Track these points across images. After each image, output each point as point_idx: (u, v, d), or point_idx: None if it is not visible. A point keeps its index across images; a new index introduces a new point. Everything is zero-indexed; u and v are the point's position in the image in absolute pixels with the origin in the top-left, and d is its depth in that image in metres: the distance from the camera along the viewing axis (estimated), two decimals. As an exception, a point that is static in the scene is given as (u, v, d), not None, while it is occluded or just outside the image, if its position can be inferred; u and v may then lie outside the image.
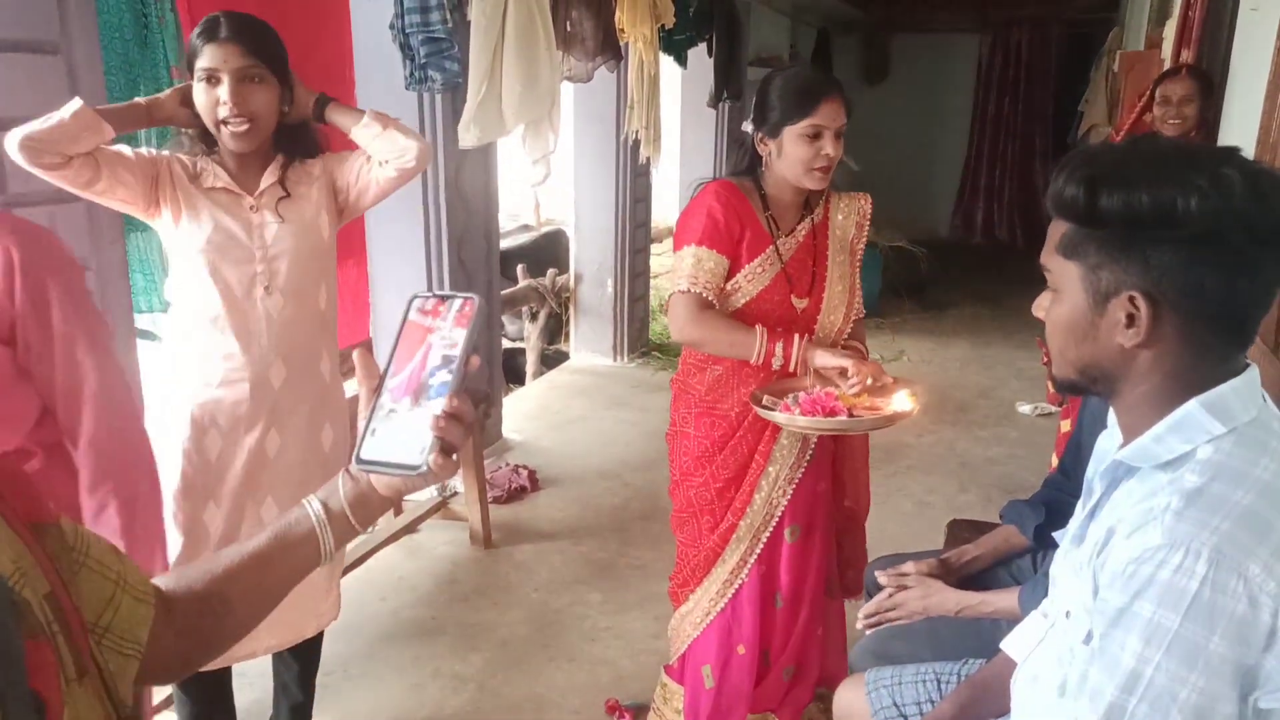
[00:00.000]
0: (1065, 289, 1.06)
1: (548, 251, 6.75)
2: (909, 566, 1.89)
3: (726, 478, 2.04)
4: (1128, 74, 5.12)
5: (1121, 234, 1.00)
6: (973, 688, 1.49)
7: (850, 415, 1.81)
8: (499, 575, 3.16)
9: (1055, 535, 1.44)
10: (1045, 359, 3.56)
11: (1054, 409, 4.79)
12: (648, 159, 5.06)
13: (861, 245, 2.10)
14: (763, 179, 1.97)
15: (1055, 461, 3.55)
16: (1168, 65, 4.16)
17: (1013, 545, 1.92)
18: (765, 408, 1.87)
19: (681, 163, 6.98)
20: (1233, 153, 1.01)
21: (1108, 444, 1.25)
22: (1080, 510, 1.23)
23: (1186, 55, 3.78)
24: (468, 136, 3.45)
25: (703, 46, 5.54)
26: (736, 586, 2.06)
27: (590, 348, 5.64)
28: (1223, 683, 0.91)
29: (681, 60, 5.15)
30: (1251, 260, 0.97)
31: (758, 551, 2.04)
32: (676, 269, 1.91)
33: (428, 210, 3.60)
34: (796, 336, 1.88)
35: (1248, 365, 1.05)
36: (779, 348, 1.87)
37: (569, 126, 5.25)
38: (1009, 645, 1.47)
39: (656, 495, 3.72)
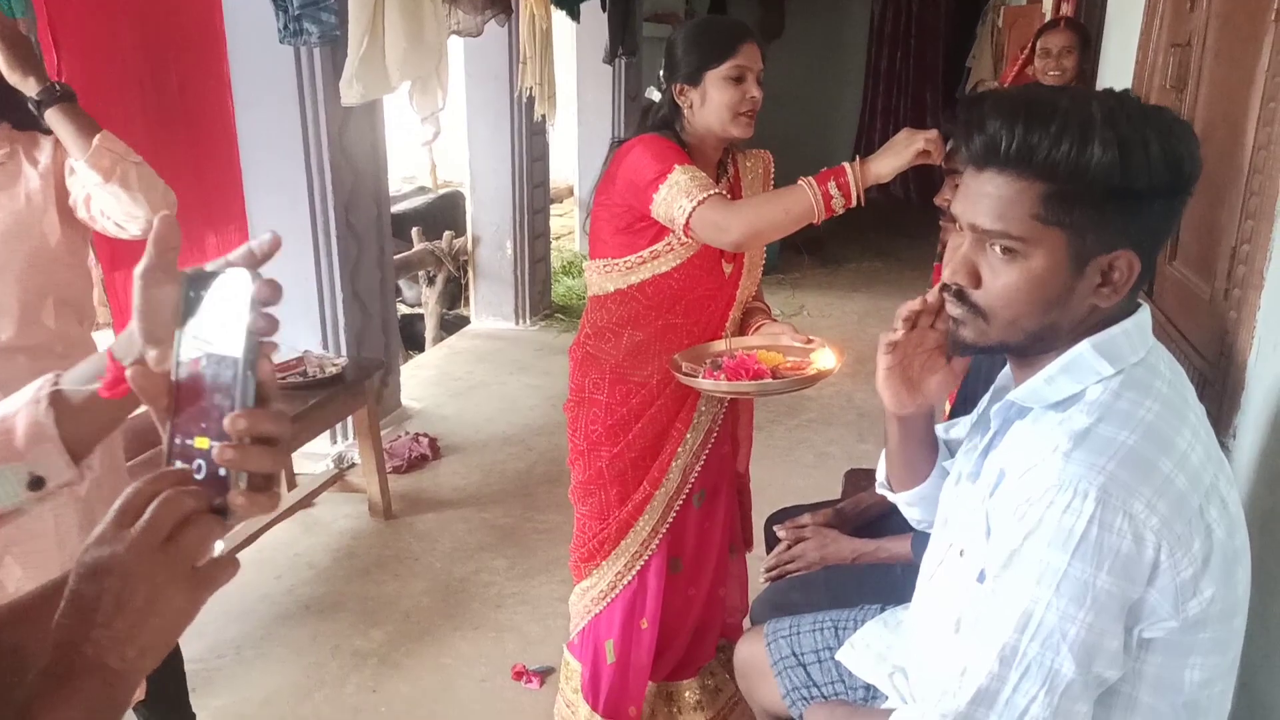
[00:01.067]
0: (1037, 255, 0.99)
1: (445, 214, 6.59)
2: (806, 519, 1.91)
3: (643, 447, 1.97)
4: (1010, 28, 5.22)
5: (1128, 194, 0.95)
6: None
7: (775, 377, 1.78)
8: (401, 547, 3.08)
9: (944, 465, 1.46)
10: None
11: (948, 358, 4.92)
12: (543, 116, 4.96)
13: None
14: (683, 134, 1.87)
15: (948, 409, 3.64)
16: (1048, 18, 4.25)
17: (906, 492, 1.95)
18: (686, 374, 1.81)
19: (579, 121, 6.88)
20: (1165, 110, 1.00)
21: (1006, 380, 1.26)
22: (971, 445, 1.24)
23: (1066, 9, 3.87)
24: (350, 93, 3.30)
25: (596, 1, 5.42)
26: (645, 559, 2.02)
27: (491, 312, 5.54)
28: (1109, 618, 0.93)
29: (574, 14, 5.03)
30: (1185, 200, 1.00)
31: (669, 521, 2.01)
32: (673, 197, 1.72)
33: (310, 172, 3.44)
34: (847, 166, 1.67)
35: (1139, 305, 1.07)
36: (833, 187, 1.66)
37: (460, 84, 5.10)
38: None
39: (561, 459, 3.64)
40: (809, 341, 1.89)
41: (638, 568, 2.02)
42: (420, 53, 3.32)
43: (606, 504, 2.01)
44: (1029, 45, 3.36)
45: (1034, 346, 1.06)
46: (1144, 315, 1.07)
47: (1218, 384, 1.59)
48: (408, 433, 3.83)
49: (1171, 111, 0.99)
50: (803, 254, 6.77)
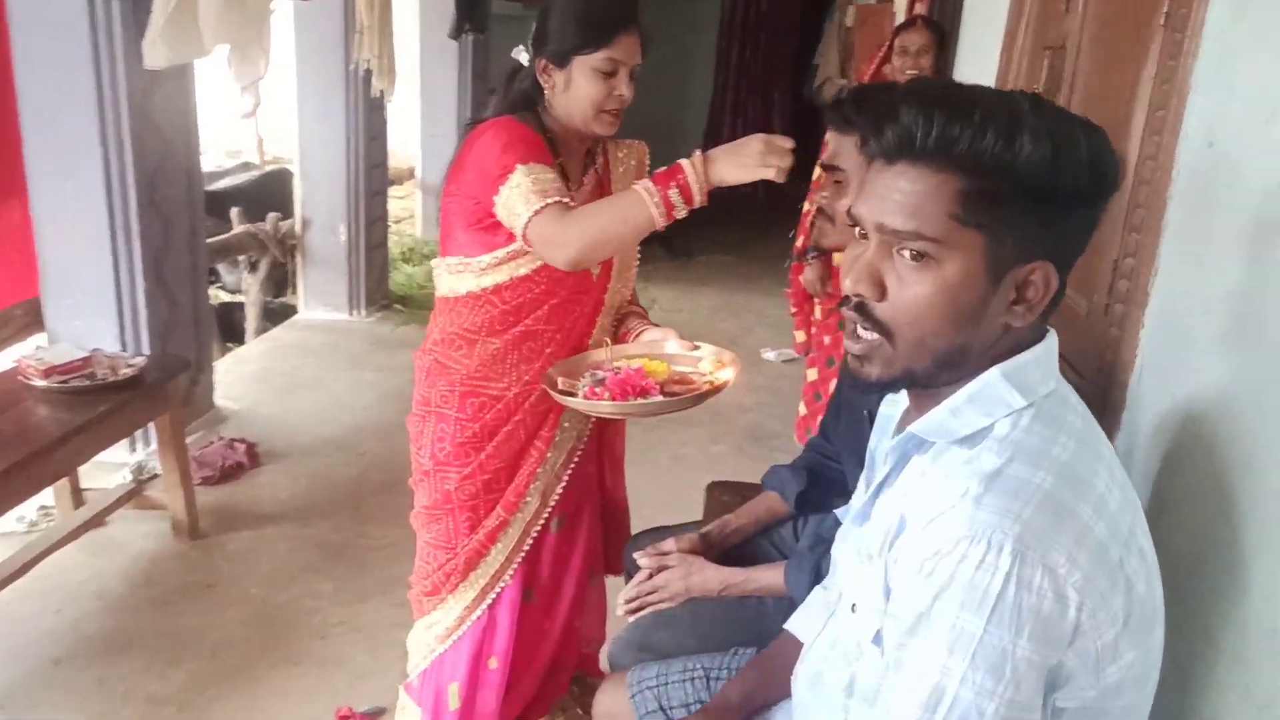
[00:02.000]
0: (952, 260, 0.86)
1: (272, 193, 6.09)
2: (669, 544, 1.74)
3: (497, 468, 1.77)
4: (862, 26, 5.26)
5: (1046, 197, 0.84)
6: (759, 671, 1.36)
7: (663, 392, 1.60)
8: (210, 571, 2.73)
9: (839, 511, 1.33)
10: (794, 311, 3.53)
11: (797, 356, 4.91)
12: (381, 92, 4.61)
13: None
14: (545, 117, 1.68)
15: (802, 409, 3.59)
16: (900, 18, 4.27)
17: (775, 513, 1.81)
18: (564, 393, 1.61)
19: (423, 99, 6.51)
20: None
21: (891, 410, 1.13)
22: (863, 486, 1.10)
23: (920, 8, 3.87)
24: (155, 55, 2.91)
25: (441, -28, 5.11)
26: (498, 591, 1.81)
27: (322, 301, 5.13)
28: (1030, 690, 0.81)
29: (416, -17, 4.71)
30: (1100, 214, 0.89)
31: (525, 549, 1.81)
32: (512, 202, 1.54)
33: (106, 140, 3.00)
34: (684, 162, 1.49)
35: (1047, 330, 0.95)
36: (673, 193, 1.48)
37: (289, 54, 4.67)
38: (795, 626, 1.35)
39: (397, 464, 3.35)
40: (695, 348, 1.73)
41: (488, 602, 1.81)
42: (240, 15, 2.96)
43: (454, 531, 1.80)
44: (887, 44, 3.34)
45: (940, 375, 0.92)
46: (1052, 341, 0.95)
47: (1096, 403, 1.52)
48: (221, 438, 3.44)
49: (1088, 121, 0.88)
50: (653, 246, 6.65)
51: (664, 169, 1.50)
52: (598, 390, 1.59)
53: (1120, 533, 0.86)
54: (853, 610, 0.99)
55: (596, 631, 2.09)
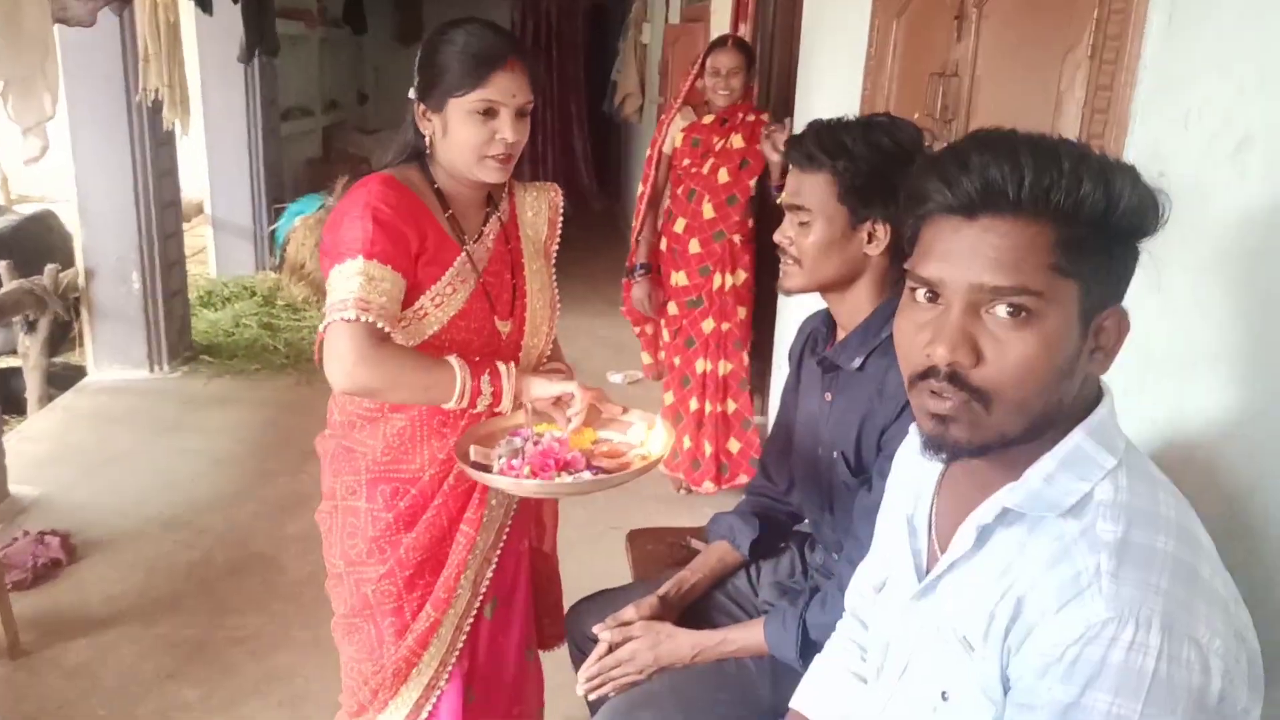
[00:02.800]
0: (1052, 315, 0.82)
1: (35, 239, 5.36)
2: (629, 612, 1.63)
3: (420, 561, 1.57)
4: (674, 45, 5.31)
5: (1126, 239, 0.85)
6: None
7: (591, 465, 1.47)
8: (43, 696, 2.33)
9: (865, 578, 1.26)
10: (638, 333, 3.51)
11: (644, 378, 4.89)
12: (174, 124, 4.18)
13: (555, 246, 1.74)
14: (433, 168, 1.54)
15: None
16: (714, 35, 4.34)
17: (728, 564, 1.74)
18: (478, 465, 1.46)
19: (207, 128, 5.99)
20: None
21: (915, 470, 1.07)
22: (906, 556, 1.03)
23: (744, 28, 3.94)
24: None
25: (227, -8, 4.70)
26: (435, 699, 1.62)
27: (116, 359, 4.58)
28: None
29: (206, 6, 4.30)
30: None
31: (460, 646, 1.62)
32: (335, 291, 1.40)
33: None
34: (503, 365, 1.49)
35: (1101, 383, 0.93)
36: (485, 383, 1.45)
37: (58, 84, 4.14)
38: (805, 705, 1.27)
39: (245, 540, 3.07)
40: (624, 411, 1.61)
41: (426, 711, 1.62)
42: (18, 47, 2.57)
43: (378, 639, 1.60)
44: (699, 62, 3.36)
45: (1030, 436, 0.88)
46: (1109, 393, 0.94)
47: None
48: (26, 532, 2.97)
49: None
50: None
51: (480, 360, 1.48)
52: (515, 464, 1.44)
53: (1228, 585, 0.85)
54: (944, 699, 0.92)
55: (535, 707, 1.93)
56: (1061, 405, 0.87)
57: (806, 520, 1.70)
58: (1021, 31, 1.71)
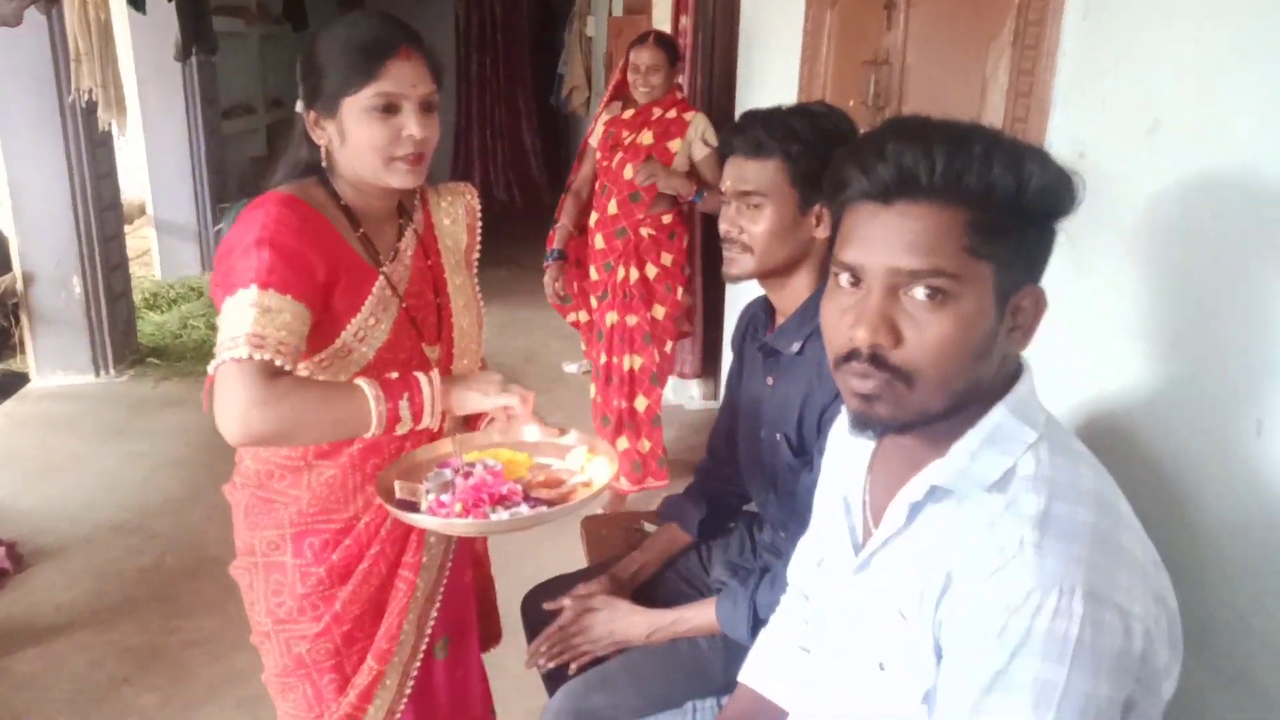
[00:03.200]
0: (968, 295, 0.86)
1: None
2: (588, 588, 1.66)
3: (358, 614, 1.42)
4: (617, 38, 5.32)
5: (1040, 219, 0.88)
6: None
7: (529, 498, 1.29)
8: (-6, 707, 2.30)
9: (805, 556, 1.30)
10: (575, 323, 3.51)
11: (598, 367, 4.91)
12: (110, 125, 4.10)
13: (476, 254, 1.58)
14: (336, 182, 1.37)
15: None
16: (668, 29, 4.36)
17: (678, 545, 1.78)
18: (405, 504, 1.28)
19: (145, 128, 5.88)
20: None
21: (848, 451, 1.11)
22: (843, 533, 1.07)
23: (685, 21, 3.96)
24: None
25: (161, -12, 4.61)
26: None
27: (60, 364, 4.49)
28: None
29: (138, 3, 4.22)
30: None
31: (408, 692, 1.49)
32: (226, 327, 1.21)
33: None
34: (422, 378, 1.28)
35: (1021, 359, 0.97)
36: (404, 405, 1.25)
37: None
38: (752, 679, 1.31)
39: (197, 542, 3.04)
40: (562, 433, 1.42)
41: None
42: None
43: (316, 697, 1.45)
44: (625, 56, 3.28)
45: (952, 413, 0.91)
46: (1029, 369, 0.97)
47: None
48: (-28, 542, 2.92)
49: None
50: (423, 267, 6.39)
51: (397, 378, 1.28)
52: (444, 500, 1.26)
53: (1147, 551, 0.89)
54: (881, 669, 0.96)
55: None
56: (981, 383, 0.90)
57: (753, 501, 1.74)
58: (948, 20, 1.76)
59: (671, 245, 3.26)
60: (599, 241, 3.31)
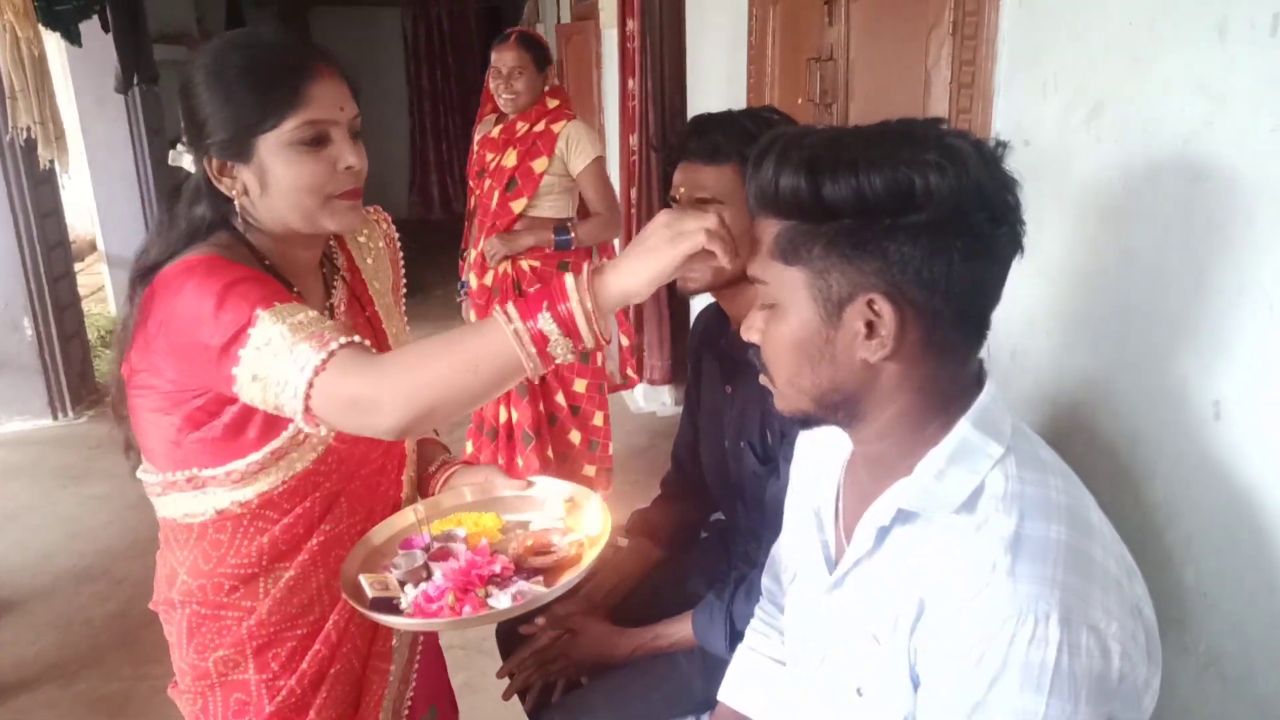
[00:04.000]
0: (788, 301, 0.88)
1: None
2: (559, 610, 1.62)
3: (333, 717, 1.28)
4: (568, 44, 5.29)
5: (852, 226, 0.83)
6: None
7: (521, 570, 1.16)
8: (-41, 772, 2.23)
9: (777, 572, 1.28)
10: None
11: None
12: (52, 162, 4.00)
13: (403, 287, 1.44)
14: (253, 237, 1.17)
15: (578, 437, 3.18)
16: (610, 34, 4.33)
17: (650, 559, 1.75)
18: (381, 603, 1.10)
19: (90, 161, 5.76)
20: (943, 121, 0.88)
21: (821, 456, 1.09)
22: (815, 549, 1.04)
23: (632, 25, 3.94)
24: None
25: (96, 20, 4.51)
26: None
27: (15, 409, 4.38)
28: None
29: (72, 37, 4.12)
30: (989, 241, 0.84)
31: None
32: (272, 370, 1.01)
33: None
34: (567, 280, 0.97)
35: (981, 370, 0.94)
36: (546, 320, 0.97)
37: (-80, 128, 3.94)
38: (731, 697, 1.28)
39: (166, 584, 2.96)
40: (529, 485, 1.31)
41: None
42: None
43: None
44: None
45: (834, 414, 0.92)
46: (991, 380, 0.94)
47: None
48: (-71, 600, 2.83)
49: (932, 129, 0.85)
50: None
51: (537, 291, 1.00)
52: (432, 595, 1.09)
53: (1122, 560, 0.87)
54: (859, 694, 0.93)
55: None
56: (843, 388, 0.89)
57: (721, 511, 1.72)
58: (888, 13, 1.75)
59: (549, 277, 2.77)
60: (472, 281, 2.96)
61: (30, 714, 2.42)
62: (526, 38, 2.85)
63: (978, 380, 0.92)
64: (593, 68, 4.76)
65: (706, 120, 1.41)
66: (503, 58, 2.79)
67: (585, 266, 0.99)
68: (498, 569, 1.13)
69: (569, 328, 0.97)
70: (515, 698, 1.60)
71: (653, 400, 4.35)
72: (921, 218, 0.81)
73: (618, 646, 1.54)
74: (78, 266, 6.00)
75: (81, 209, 6.07)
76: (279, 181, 1.11)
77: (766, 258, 0.89)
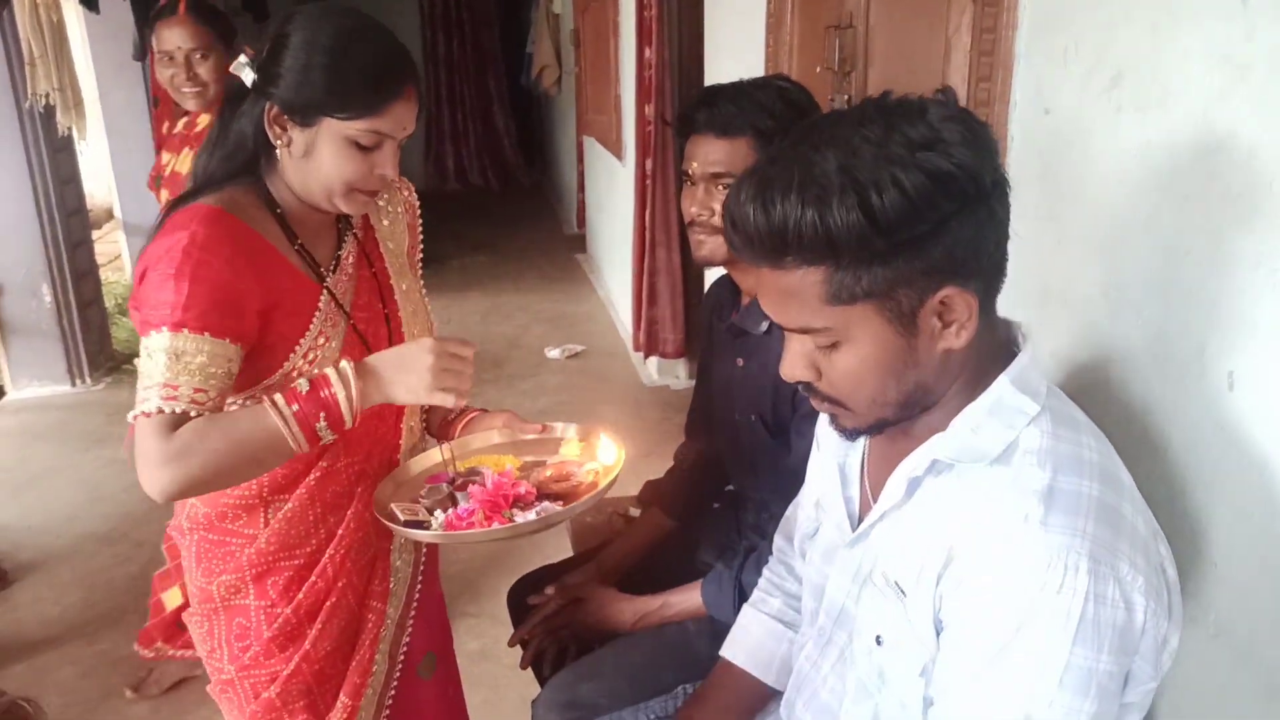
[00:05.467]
0: (858, 334, 0.85)
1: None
2: (567, 580, 1.65)
3: (329, 651, 1.36)
4: (584, 14, 5.25)
5: (904, 240, 0.81)
6: (704, 709, 1.29)
7: (543, 495, 1.29)
8: (-15, 726, 2.28)
9: (800, 524, 1.29)
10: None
11: (581, 348, 4.89)
12: (70, 129, 4.03)
13: (420, 254, 1.51)
14: (272, 184, 1.27)
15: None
16: (634, 1, 4.29)
17: (661, 530, 1.77)
18: (412, 524, 1.24)
19: (108, 129, 5.77)
20: (922, 101, 0.87)
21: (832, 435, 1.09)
22: (837, 502, 1.06)
23: (651, -8, 3.90)
24: None
25: (113, -13, 4.51)
26: None
27: (35, 375, 4.44)
28: (1110, 699, 0.83)
29: (91, 2, 4.13)
30: (999, 197, 0.87)
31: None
32: (141, 375, 1.15)
33: None
34: (336, 384, 1.16)
35: (1019, 333, 0.95)
36: (320, 426, 1.16)
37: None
38: (734, 653, 1.30)
39: (185, 547, 3.01)
40: (544, 429, 1.43)
41: None
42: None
43: None
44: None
45: (914, 409, 0.92)
46: (1029, 342, 0.96)
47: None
48: (-46, 560, 2.89)
49: (949, 113, 0.85)
50: (400, 256, 6.33)
51: (307, 390, 1.17)
52: (463, 513, 1.23)
53: (1149, 521, 0.89)
54: (879, 643, 0.95)
55: None
56: (925, 383, 0.90)
57: (733, 483, 1.73)
58: (909, -20, 1.72)
59: None
60: None
61: (55, 670, 2.47)
62: (205, 7, 2.23)
63: (1007, 342, 0.93)
64: (609, 37, 4.73)
65: (717, 92, 1.40)
66: (169, 36, 2.16)
67: (347, 364, 1.18)
68: (522, 490, 1.26)
69: (334, 418, 1.17)
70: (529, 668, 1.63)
71: (667, 374, 4.36)
72: (956, 205, 0.82)
73: (626, 614, 1.56)
74: (95, 235, 6.04)
75: (98, 179, 6.09)
76: (322, 162, 1.21)
77: (819, 306, 0.85)
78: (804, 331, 0.87)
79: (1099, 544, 0.81)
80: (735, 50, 2.87)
